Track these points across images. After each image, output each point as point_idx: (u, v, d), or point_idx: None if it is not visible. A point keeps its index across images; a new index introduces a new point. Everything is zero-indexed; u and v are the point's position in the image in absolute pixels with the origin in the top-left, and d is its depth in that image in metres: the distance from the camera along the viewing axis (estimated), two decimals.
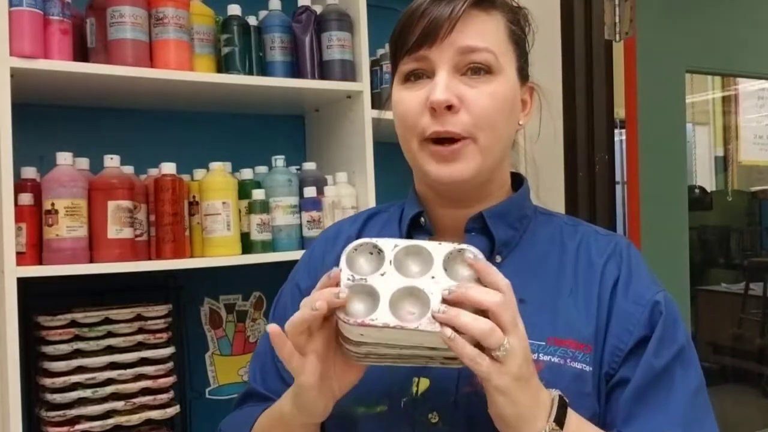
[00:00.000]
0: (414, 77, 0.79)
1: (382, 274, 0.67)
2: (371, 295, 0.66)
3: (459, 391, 0.75)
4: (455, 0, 0.76)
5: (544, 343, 0.75)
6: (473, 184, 0.79)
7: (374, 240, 0.70)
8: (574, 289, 0.79)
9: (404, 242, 0.69)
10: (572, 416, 0.69)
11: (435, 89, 0.75)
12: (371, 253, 0.69)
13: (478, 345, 0.63)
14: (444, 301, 0.64)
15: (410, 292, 0.66)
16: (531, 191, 0.88)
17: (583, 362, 0.75)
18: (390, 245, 0.69)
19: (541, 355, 0.74)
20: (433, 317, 0.63)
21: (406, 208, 0.88)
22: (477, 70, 0.76)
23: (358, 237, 0.90)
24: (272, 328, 0.68)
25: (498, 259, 0.81)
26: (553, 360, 0.74)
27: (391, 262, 0.68)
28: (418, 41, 0.77)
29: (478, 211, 0.81)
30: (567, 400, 0.69)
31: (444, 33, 0.76)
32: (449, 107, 0.75)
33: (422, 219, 0.85)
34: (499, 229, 0.81)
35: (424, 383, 0.76)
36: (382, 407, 0.77)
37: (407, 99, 0.79)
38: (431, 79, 0.77)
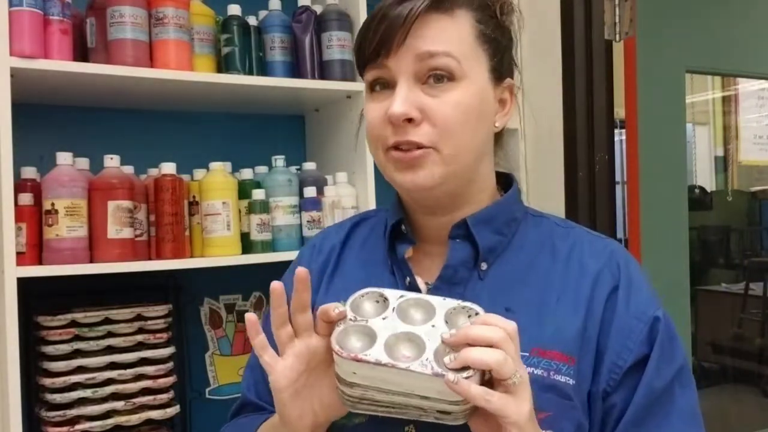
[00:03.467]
0: (379, 86, 0.77)
1: (384, 318, 0.68)
2: (369, 336, 0.66)
3: None
4: (412, 2, 0.73)
5: (527, 354, 0.72)
6: (444, 192, 0.76)
7: (381, 289, 0.70)
8: (562, 296, 0.76)
9: (411, 294, 0.70)
10: None
11: (393, 102, 0.73)
12: (377, 301, 0.70)
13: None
14: (444, 344, 0.64)
15: (408, 338, 0.66)
16: (525, 193, 0.87)
17: (567, 375, 0.72)
18: (396, 295, 0.70)
19: (538, 368, 0.72)
20: (445, 366, 0.62)
21: (389, 217, 0.85)
22: (439, 77, 0.73)
23: (343, 246, 0.89)
24: (249, 315, 0.68)
25: (483, 266, 0.78)
26: (536, 372, 0.72)
27: (394, 309, 0.68)
28: (375, 50, 0.75)
29: (461, 217, 0.78)
30: None
31: (399, 39, 0.73)
32: (410, 120, 0.73)
33: (403, 227, 0.82)
34: (483, 236, 0.77)
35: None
36: (361, 419, 0.75)
37: (371, 110, 0.78)
38: (394, 89, 0.74)
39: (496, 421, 0.63)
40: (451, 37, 0.74)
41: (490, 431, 0.65)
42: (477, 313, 0.67)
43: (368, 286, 0.73)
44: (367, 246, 0.87)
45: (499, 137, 0.84)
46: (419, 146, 0.73)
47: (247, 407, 0.91)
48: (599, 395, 0.74)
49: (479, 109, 0.75)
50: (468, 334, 0.63)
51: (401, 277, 0.81)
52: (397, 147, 0.74)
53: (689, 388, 0.76)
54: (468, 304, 0.68)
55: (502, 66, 0.78)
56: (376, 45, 0.74)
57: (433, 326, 0.66)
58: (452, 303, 0.68)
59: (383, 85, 0.77)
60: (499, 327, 0.63)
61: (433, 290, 0.77)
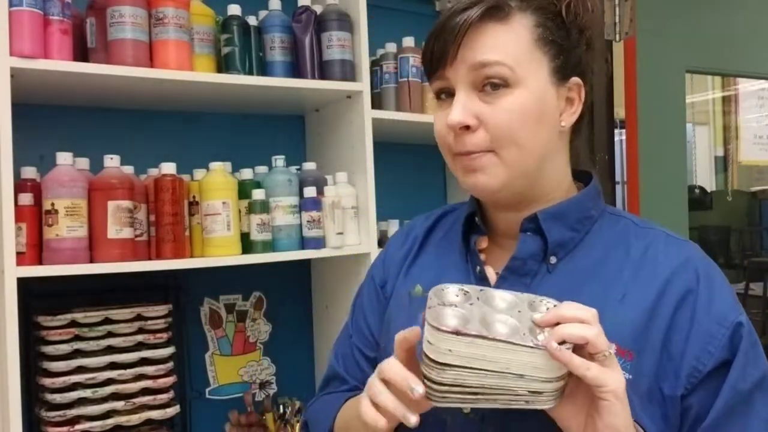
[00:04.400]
0: (443, 95, 0.81)
1: (471, 304, 0.69)
2: (461, 317, 0.67)
3: None
4: (467, 12, 0.76)
5: None
6: (510, 192, 0.80)
7: (461, 285, 0.72)
8: (629, 294, 0.76)
9: (490, 289, 0.73)
10: None
11: (452, 111, 0.77)
12: (459, 293, 0.72)
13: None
14: (537, 324, 0.67)
15: (499, 320, 0.67)
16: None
17: (623, 369, 0.71)
18: (476, 288, 0.72)
19: None
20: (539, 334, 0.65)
21: (466, 209, 0.89)
22: (494, 85, 0.76)
23: (428, 234, 0.93)
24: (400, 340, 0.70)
25: (553, 260, 0.80)
26: None
27: (478, 298, 0.70)
28: (435, 62, 0.79)
29: (533, 212, 0.81)
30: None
31: (453, 51, 0.76)
32: (468, 127, 0.77)
33: (476, 218, 0.86)
34: (553, 230, 0.80)
35: None
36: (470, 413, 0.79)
37: (437, 119, 0.82)
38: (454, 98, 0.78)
39: (585, 402, 0.66)
40: (505, 44, 0.76)
41: (576, 414, 0.67)
42: (555, 305, 0.69)
43: (444, 274, 0.81)
44: (448, 236, 0.91)
45: (576, 134, 0.86)
46: (479, 151, 0.77)
47: (334, 381, 0.96)
48: (677, 398, 0.74)
49: (538, 112, 0.77)
50: (560, 313, 0.66)
51: (473, 266, 0.84)
52: (460, 153, 0.79)
53: None
54: (545, 297, 0.71)
55: (567, 66, 0.80)
56: (434, 57, 0.79)
57: (519, 311, 0.68)
58: (530, 296, 0.71)
59: (447, 94, 0.81)
60: (585, 309, 0.66)
61: (501, 280, 0.81)
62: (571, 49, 0.80)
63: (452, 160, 0.82)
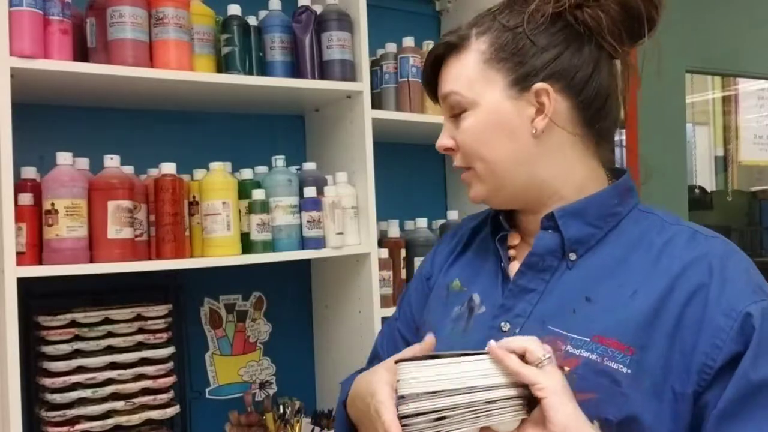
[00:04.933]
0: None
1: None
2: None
3: None
4: (432, 54, 0.88)
5: (588, 339, 0.76)
6: (505, 200, 0.87)
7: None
8: (640, 289, 0.77)
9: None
10: None
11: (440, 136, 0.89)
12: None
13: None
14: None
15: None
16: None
17: (621, 363, 0.74)
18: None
19: (582, 351, 0.76)
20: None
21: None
22: (457, 111, 0.85)
23: (473, 233, 0.99)
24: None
25: (572, 256, 0.82)
26: (591, 357, 0.75)
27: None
28: (429, 96, 0.93)
29: (551, 210, 0.84)
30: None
31: (427, 89, 0.92)
32: (451, 149, 0.87)
33: (500, 217, 0.92)
34: (570, 227, 0.82)
35: None
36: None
37: None
38: None
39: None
40: (458, 74, 0.85)
41: None
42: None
43: (478, 272, 0.90)
44: (488, 236, 0.96)
45: (598, 134, 0.86)
46: (463, 168, 0.88)
47: (374, 360, 1.01)
48: (688, 395, 0.73)
49: (496, 125, 0.83)
50: (507, 339, 0.73)
51: (499, 260, 0.89)
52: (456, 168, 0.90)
53: None
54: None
55: (529, 74, 0.82)
56: (426, 91, 0.93)
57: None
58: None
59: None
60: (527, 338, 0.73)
61: (519, 275, 0.84)
62: (536, 55, 0.82)
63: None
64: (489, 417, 0.69)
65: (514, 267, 0.87)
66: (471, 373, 0.70)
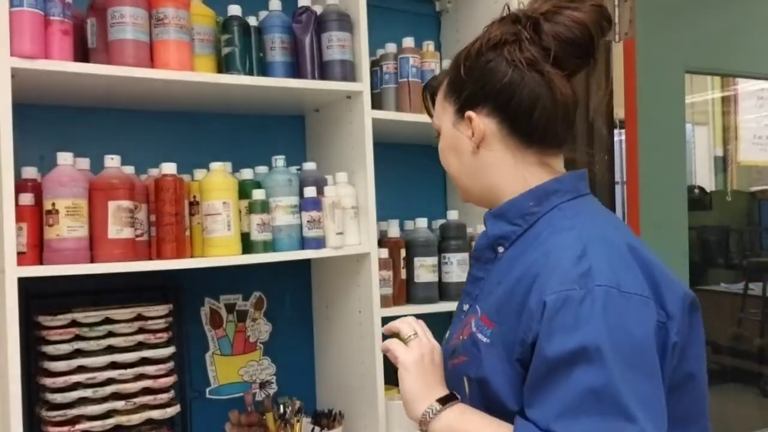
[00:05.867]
0: None
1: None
2: None
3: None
4: (426, 91, 1.12)
5: (479, 316, 0.94)
6: (476, 201, 1.04)
7: None
8: (504, 280, 0.93)
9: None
10: (458, 405, 0.92)
11: None
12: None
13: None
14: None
15: None
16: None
17: (484, 335, 0.91)
18: None
19: (473, 325, 0.94)
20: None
21: None
22: (437, 134, 1.05)
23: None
24: None
25: (500, 249, 0.98)
26: (473, 329, 0.94)
27: None
28: None
29: None
30: (459, 397, 0.93)
31: (429, 113, 1.12)
32: None
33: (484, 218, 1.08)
34: (494, 227, 0.99)
35: None
36: None
37: None
38: None
39: None
40: (436, 105, 1.06)
41: None
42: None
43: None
44: None
45: (529, 147, 0.98)
46: None
47: None
48: (512, 355, 0.87)
49: (450, 146, 1.02)
50: (393, 322, 1.02)
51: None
52: None
53: (594, 370, 0.78)
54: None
55: (464, 105, 0.99)
56: None
57: None
58: None
59: None
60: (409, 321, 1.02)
61: (471, 266, 1.04)
62: (465, 88, 0.98)
63: None
64: None
65: None
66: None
